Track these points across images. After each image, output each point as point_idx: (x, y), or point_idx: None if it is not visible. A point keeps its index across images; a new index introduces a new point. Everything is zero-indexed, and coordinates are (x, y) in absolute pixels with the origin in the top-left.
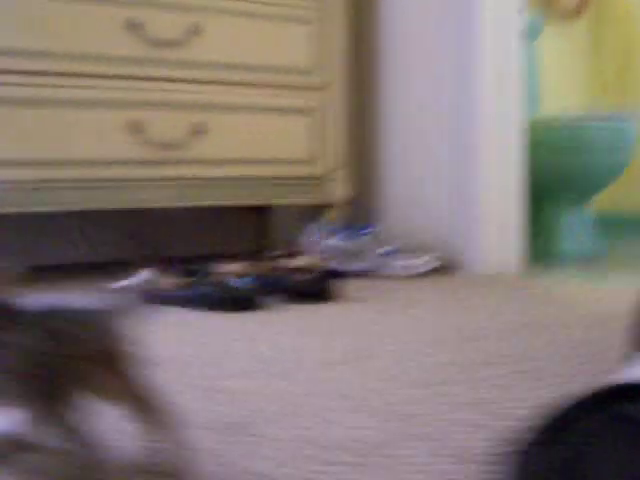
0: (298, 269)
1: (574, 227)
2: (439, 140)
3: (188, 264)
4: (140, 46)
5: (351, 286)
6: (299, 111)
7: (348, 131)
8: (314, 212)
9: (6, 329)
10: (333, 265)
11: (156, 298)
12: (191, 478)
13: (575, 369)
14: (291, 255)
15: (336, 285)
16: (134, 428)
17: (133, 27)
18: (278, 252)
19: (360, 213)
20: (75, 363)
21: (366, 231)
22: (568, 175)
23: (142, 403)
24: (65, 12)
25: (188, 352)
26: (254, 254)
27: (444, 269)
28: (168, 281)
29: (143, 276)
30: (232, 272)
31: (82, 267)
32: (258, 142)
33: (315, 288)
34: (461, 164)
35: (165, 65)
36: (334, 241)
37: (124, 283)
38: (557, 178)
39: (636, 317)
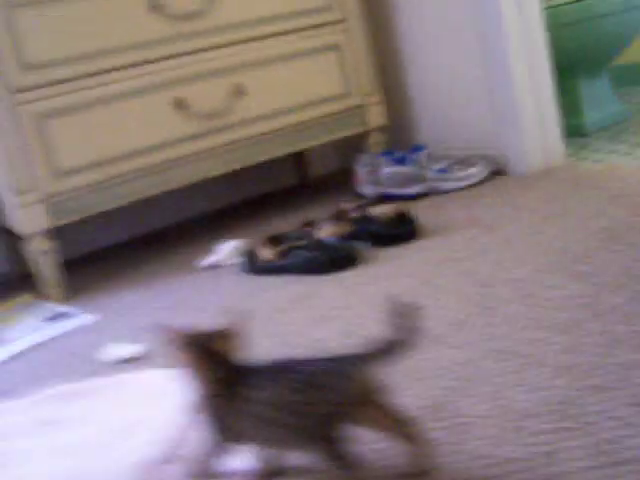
0: (382, 215)
1: (596, 97)
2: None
3: (278, 237)
4: (167, 25)
5: (421, 212)
6: (327, 48)
7: (376, 59)
8: (356, 144)
9: (256, 387)
10: (393, 191)
11: (259, 269)
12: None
13: None
14: (368, 205)
15: (418, 225)
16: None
17: (156, 8)
18: (354, 205)
19: (401, 138)
20: (335, 407)
21: (417, 154)
22: (582, 47)
23: (397, 424)
24: (90, 10)
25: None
26: (334, 213)
27: (497, 174)
28: (265, 252)
29: (227, 249)
30: (325, 233)
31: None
32: (295, 88)
33: (401, 230)
34: (490, 62)
35: (194, 37)
36: (389, 168)
37: (212, 259)
38: (572, 52)
39: None
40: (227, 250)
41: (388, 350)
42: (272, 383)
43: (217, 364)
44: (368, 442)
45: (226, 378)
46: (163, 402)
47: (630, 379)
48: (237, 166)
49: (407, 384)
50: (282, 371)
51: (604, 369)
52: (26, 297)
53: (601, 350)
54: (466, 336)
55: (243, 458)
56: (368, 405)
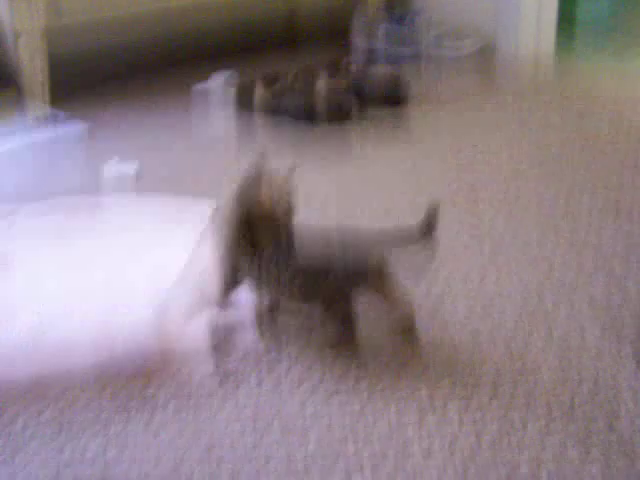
0: (377, 76)
1: None
2: None
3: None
4: None
5: (413, 77)
6: None
7: None
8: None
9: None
10: (386, 47)
11: (249, 108)
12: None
13: None
14: (367, 64)
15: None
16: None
17: None
18: (354, 61)
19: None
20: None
21: (416, 18)
22: None
23: (394, 297)
24: None
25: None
26: (332, 65)
27: (487, 50)
28: (260, 90)
29: (222, 79)
30: (325, 85)
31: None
32: None
33: (395, 95)
34: None
35: None
36: (387, 24)
37: (205, 85)
38: None
39: None
40: (220, 80)
41: (412, 238)
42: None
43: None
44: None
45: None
46: (176, 228)
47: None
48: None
49: None
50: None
51: (568, 267)
52: (10, 92)
53: (567, 248)
54: (453, 214)
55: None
56: (379, 277)
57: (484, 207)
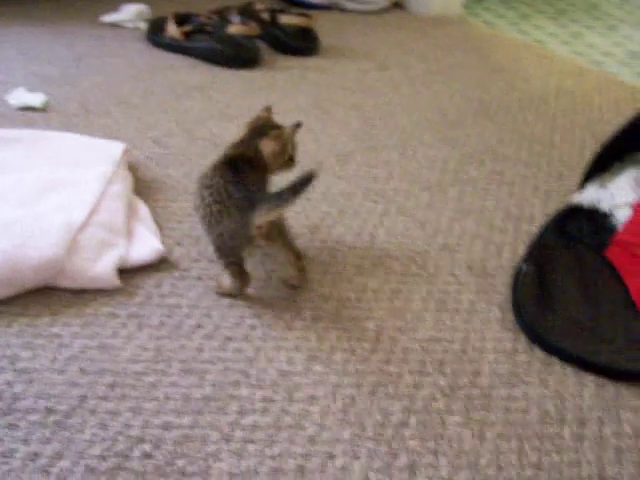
0: (289, 25)
1: None
2: None
3: (185, 16)
4: None
5: (324, 28)
6: None
7: None
8: None
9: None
10: None
11: (163, 44)
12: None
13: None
14: (280, 11)
15: (318, 41)
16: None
17: None
18: (266, 7)
19: None
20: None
21: None
22: None
23: (286, 242)
24: None
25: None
26: (246, 9)
27: (398, 6)
28: (171, 28)
29: (132, 10)
30: (233, 29)
31: None
32: None
33: (304, 45)
34: None
35: None
36: None
37: (115, 16)
38: None
39: (600, 152)
40: (133, 11)
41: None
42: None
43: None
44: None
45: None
46: (85, 168)
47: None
48: None
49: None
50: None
51: (452, 232)
52: None
53: (452, 215)
54: (348, 171)
55: None
56: (273, 228)
57: (380, 167)
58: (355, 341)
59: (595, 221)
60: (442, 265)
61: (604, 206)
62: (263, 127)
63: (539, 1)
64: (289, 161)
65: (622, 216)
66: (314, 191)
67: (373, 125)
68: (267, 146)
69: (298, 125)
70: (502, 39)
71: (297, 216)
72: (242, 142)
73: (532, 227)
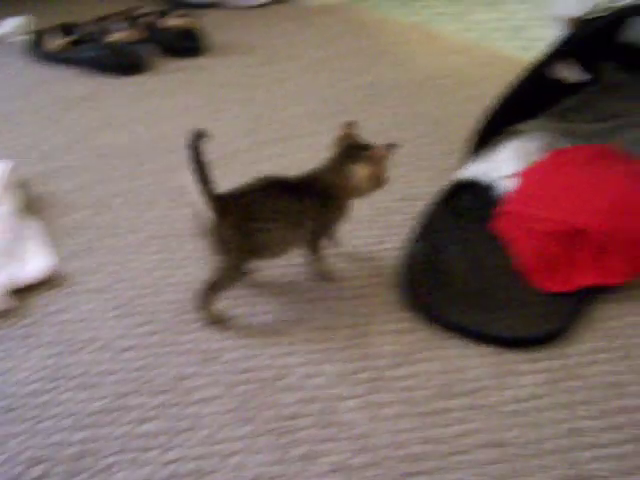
0: (172, 27)
1: None
2: None
3: (70, 26)
4: None
5: (209, 26)
6: None
7: None
8: None
9: None
10: None
11: (46, 57)
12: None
13: None
14: (163, 13)
15: (204, 40)
16: None
17: None
18: (150, 11)
19: None
20: None
21: None
22: None
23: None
24: None
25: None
26: (129, 14)
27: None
28: (54, 39)
29: (12, 24)
30: (119, 37)
31: None
32: None
33: (189, 45)
34: None
35: None
36: None
37: None
38: None
39: (481, 126)
40: (14, 25)
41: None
42: None
43: None
44: None
45: None
46: None
47: None
48: None
49: (180, 204)
50: None
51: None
52: None
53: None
54: (234, 169)
55: None
56: None
57: (266, 162)
58: (246, 339)
59: (481, 195)
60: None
61: (489, 179)
62: (353, 148)
63: None
64: (381, 182)
65: (506, 187)
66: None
67: (261, 120)
68: (361, 171)
69: (392, 146)
70: (389, 22)
71: (186, 219)
72: (333, 167)
73: (414, 209)
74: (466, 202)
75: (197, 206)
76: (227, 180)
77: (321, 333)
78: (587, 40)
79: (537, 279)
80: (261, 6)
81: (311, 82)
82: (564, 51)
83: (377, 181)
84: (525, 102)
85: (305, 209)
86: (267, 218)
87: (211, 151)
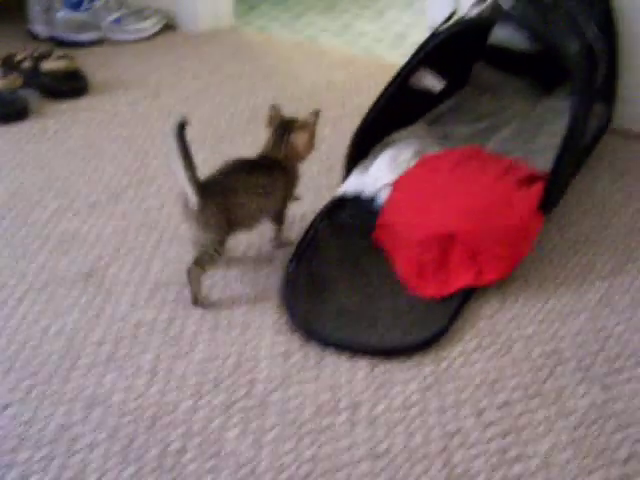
0: (54, 70)
1: None
2: None
3: None
4: None
5: (93, 64)
6: None
7: None
8: None
9: None
10: (65, 36)
11: None
12: None
13: None
14: (42, 56)
15: (87, 80)
16: None
17: None
18: (25, 54)
19: None
20: None
21: (94, 1)
22: None
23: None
24: None
25: None
26: (7, 60)
27: (169, 28)
28: None
29: None
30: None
31: None
32: None
33: (69, 85)
34: None
35: None
36: (64, 11)
37: None
38: None
39: (354, 139)
40: None
41: None
42: None
43: None
44: None
45: None
46: None
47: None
48: None
49: (65, 249)
50: None
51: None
52: None
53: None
54: (120, 208)
55: None
56: None
57: (152, 199)
58: (131, 379)
59: (361, 208)
60: (216, 281)
61: (367, 191)
62: (285, 123)
63: None
64: (314, 144)
65: (383, 198)
66: (87, 236)
67: (146, 156)
68: (299, 138)
69: (316, 111)
70: (273, 43)
71: (70, 264)
72: (275, 142)
73: (303, 225)
74: (348, 216)
75: (183, 191)
76: (115, 219)
77: (205, 365)
78: (442, 48)
79: (415, 287)
80: (149, 38)
81: (194, 112)
82: (420, 61)
83: (312, 143)
84: (399, 110)
85: (272, 181)
86: (244, 193)
87: (93, 192)
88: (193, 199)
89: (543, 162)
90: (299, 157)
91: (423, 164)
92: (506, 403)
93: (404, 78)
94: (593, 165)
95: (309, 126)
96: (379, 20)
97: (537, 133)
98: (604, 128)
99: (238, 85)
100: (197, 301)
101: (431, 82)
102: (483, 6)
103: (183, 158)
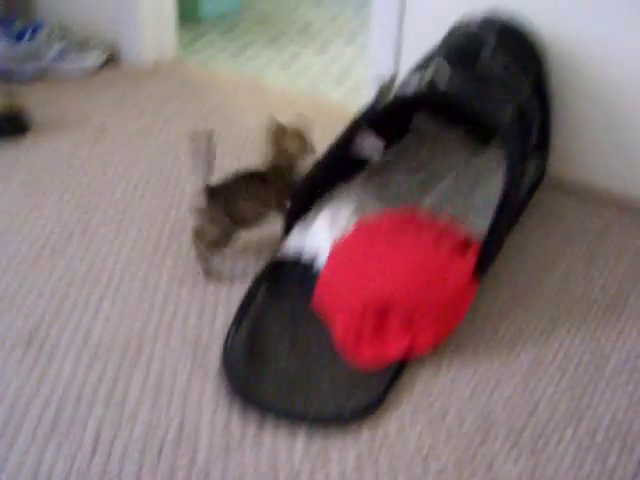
0: None
1: None
2: None
3: None
4: None
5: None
6: None
7: None
8: None
9: None
10: (7, 68)
11: None
12: None
13: None
14: None
15: (29, 118)
16: None
17: None
18: None
19: (18, 6)
20: None
21: (37, 32)
22: None
23: None
24: None
25: None
26: None
27: (113, 60)
28: None
29: None
30: None
31: None
32: None
33: (10, 125)
34: None
35: None
36: (4, 42)
37: None
38: None
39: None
40: None
41: None
42: None
43: None
44: None
45: None
46: None
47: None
48: None
49: (4, 310)
50: None
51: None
52: None
53: (168, 287)
54: (62, 263)
55: None
56: None
57: (95, 252)
58: (74, 450)
59: (301, 269)
60: (159, 346)
61: (307, 252)
62: (281, 131)
63: (255, 28)
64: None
65: (322, 261)
66: (28, 295)
67: (88, 205)
68: (295, 142)
69: (302, 116)
70: (219, 78)
71: (9, 327)
72: (274, 152)
73: (244, 285)
74: (287, 278)
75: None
76: (56, 276)
77: (148, 433)
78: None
79: (353, 353)
80: (93, 71)
81: (138, 155)
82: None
83: (307, 147)
84: (341, 165)
85: (268, 190)
86: (242, 200)
87: (33, 247)
88: (201, 198)
89: (479, 219)
90: (297, 159)
91: (360, 229)
92: (440, 472)
93: (345, 143)
94: (527, 218)
95: (301, 132)
96: (323, 53)
97: (474, 186)
98: (539, 182)
99: (182, 124)
100: (210, 275)
101: (371, 149)
102: (422, 76)
103: (207, 165)
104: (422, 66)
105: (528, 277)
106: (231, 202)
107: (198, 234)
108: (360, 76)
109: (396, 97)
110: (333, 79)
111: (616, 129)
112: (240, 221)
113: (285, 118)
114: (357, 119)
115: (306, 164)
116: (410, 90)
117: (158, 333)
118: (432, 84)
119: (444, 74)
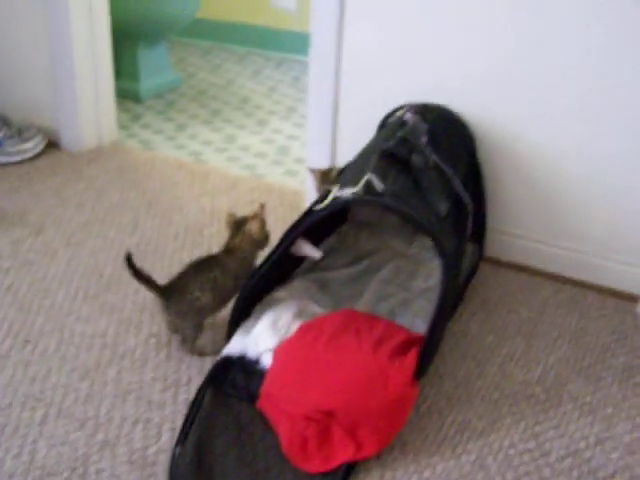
0: None
1: (152, 64)
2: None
3: None
4: None
5: None
6: None
7: None
8: None
9: None
10: None
11: None
12: None
13: None
14: None
15: None
16: None
17: None
18: None
19: None
20: None
21: None
22: (144, 19)
23: None
24: None
25: None
26: None
27: (52, 146)
28: None
29: None
30: None
31: None
32: None
33: None
34: (55, 35)
35: None
36: None
37: None
38: (134, 22)
39: (238, 304)
40: None
41: None
42: None
43: None
44: None
45: None
46: None
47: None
48: None
49: None
50: None
51: (112, 423)
52: None
53: (112, 400)
54: (5, 376)
55: None
56: None
57: (38, 363)
58: None
59: (245, 370)
60: (103, 467)
61: (251, 354)
62: (238, 221)
63: (194, 104)
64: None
65: (266, 364)
66: None
67: (30, 310)
68: (253, 227)
69: (262, 206)
70: (158, 162)
71: None
72: (234, 235)
73: (191, 393)
74: (233, 380)
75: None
76: None
77: None
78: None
79: (299, 461)
80: (32, 159)
81: (78, 253)
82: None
83: (265, 231)
84: (281, 267)
85: (223, 271)
86: (196, 289)
87: None
88: (158, 301)
89: (419, 308)
90: (257, 243)
91: (301, 335)
92: None
93: (285, 248)
94: (467, 301)
95: (259, 218)
96: (262, 131)
97: (414, 275)
98: (476, 266)
99: (122, 217)
100: (200, 351)
101: (310, 251)
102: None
103: (138, 278)
104: (355, 179)
105: (467, 369)
106: (187, 294)
107: (172, 327)
108: (298, 155)
109: (334, 201)
110: (271, 161)
111: (547, 211)
112: (203, 309)
113: (227, 201)
114: (295, 226)
115: (263, 253)
116: (347, 193)
117: (102, 453)
118: (370, 186)
119: (379, 183)
